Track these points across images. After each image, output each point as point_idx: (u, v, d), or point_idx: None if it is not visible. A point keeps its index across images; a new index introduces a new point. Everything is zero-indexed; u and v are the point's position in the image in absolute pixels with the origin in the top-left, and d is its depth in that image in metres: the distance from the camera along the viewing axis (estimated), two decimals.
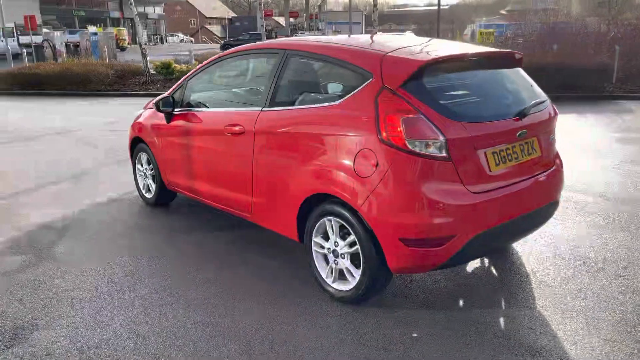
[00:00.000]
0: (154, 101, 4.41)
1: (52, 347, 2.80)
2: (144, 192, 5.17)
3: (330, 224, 3.18)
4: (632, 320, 2.98)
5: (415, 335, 2.88)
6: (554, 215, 4.58)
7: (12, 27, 30.19)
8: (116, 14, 52.65)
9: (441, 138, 2.77)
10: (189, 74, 4.44)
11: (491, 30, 24.74)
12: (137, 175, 5.23)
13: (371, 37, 3.75)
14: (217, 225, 4.51)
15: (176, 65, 17.05)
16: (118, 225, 4.61)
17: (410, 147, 2.78)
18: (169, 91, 4.57)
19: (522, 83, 3.44)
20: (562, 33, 16.62)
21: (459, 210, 2.82)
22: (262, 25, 18.31)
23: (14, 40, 29.25)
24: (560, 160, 3.59)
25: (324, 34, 33.79)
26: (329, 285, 3.27)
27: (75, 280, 3.56)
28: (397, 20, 79.26)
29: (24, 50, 21.10)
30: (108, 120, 10.51)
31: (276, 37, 34.81)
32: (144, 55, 16.47)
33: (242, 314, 3.12)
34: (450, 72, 3.18)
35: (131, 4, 16.16)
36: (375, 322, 3.01)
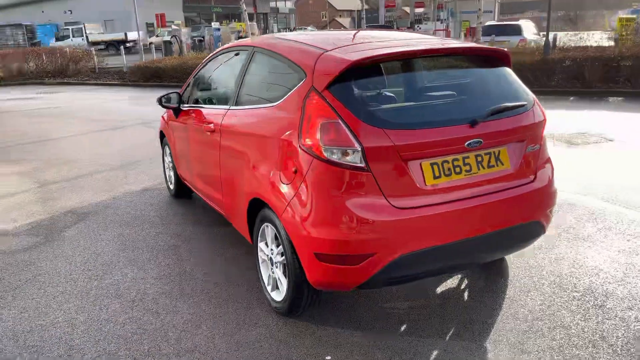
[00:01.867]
0: (157, 97, 4.55)
1: None
2: (169, 183, 5.39)
3: (268, 230, 3.05)
4: None
5: (328, 358, 2.66)
6: (584, 236, 3.98)
7: (82, 27, 33.48)
8: (250, 10, 55.45)
9: (357, 147, 2.49)
10: (195, 70, 4.52)
11: (633, 16, 21.87)
12: (165, 167, 5.47)
13: (351, 33, 3.44)
14: (221, 221, 4.54)
15: None
16: (132, 215, 4.85)
17: (326, 155, 2.54)
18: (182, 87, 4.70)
19: (498, 85, 2.95)
20: None
21: (378, 226, 2.52)
22: (360, 16, 18.08)
23: (82, 39, 32.39)
24: (552, 171, 3.04)
25: (447, 25, 32.37)
26: (268, 293, 3.15)
27: (58, 265, 3.82)
28: (540, 7, 73.36)
29: (149, 45, 23.15)
30: None
31: (397, 28, 34.15)
32: None
33: (175, 313, 3.11)
34: (393, 73, 2.85)
35: (242, 2, 16.97)
36: (296, 338, 2.83)
